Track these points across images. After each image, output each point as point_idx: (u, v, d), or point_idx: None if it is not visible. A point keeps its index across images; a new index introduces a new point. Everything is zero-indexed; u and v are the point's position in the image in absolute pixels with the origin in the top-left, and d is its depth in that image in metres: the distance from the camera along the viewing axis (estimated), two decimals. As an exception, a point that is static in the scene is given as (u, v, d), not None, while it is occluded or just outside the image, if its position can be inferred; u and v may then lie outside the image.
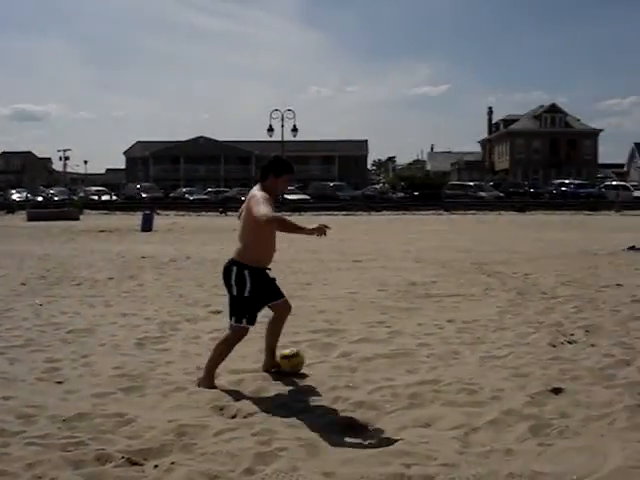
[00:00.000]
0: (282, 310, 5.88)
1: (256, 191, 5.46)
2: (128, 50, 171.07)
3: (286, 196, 55.80)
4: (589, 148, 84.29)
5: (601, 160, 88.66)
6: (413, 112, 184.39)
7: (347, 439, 4.49)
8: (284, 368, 6.01)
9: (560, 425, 4.64)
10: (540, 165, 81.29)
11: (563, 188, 58.79)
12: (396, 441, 4.38)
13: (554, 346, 7.02)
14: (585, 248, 18.84)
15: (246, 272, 5.43)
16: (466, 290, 10.86)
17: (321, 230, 5.13)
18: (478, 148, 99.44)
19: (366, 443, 4.40)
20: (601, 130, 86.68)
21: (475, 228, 31.20)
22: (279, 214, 5.57)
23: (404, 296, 10.30)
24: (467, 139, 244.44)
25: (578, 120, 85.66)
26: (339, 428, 4.68)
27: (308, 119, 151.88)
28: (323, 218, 39.36)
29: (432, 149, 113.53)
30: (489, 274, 12.81)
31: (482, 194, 56.33)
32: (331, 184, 62.88)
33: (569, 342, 7.20)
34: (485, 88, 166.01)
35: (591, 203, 51.36)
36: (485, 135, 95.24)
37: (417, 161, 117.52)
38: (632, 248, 18.93)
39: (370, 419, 4.83)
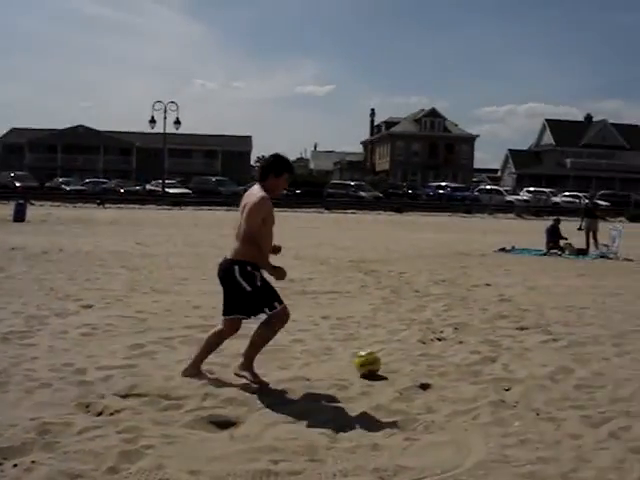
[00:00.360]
0: (280, 318, 5.60)
1: (257, 192, 5.39)
2: (6, 34, 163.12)
3: (167, 189, 54.98)
4: (466, 153, 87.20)
5: (477, 165, 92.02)
6: (298, 110, 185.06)
7: (215, 436, 4.43)
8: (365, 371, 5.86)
9: (426, 420, 4.75)
10: (419, 167, 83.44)
11: (440, 190, 60.58)
12: (265, 437, 4.35)
13: (424, 343, 7.20)
14: (458, 249, 19.47)
15: (249, 267, 5.34)
16: (342, 287, 10.99)
17: (280, 273, 5.34)
18: (360, 149, 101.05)
19: (235, 440, 4.35)
20: (477, 136, 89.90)
21: (355, 227, 31.70)
22: (254, 239, 5.35)
23: (281, 292, 10.25)
24: (350, 139, 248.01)
25: (456, 125, 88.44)
26: (208, 425, 4.60)
27: (192, 113, 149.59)
28: (203, 213, 38.96)
29: (315, 148, 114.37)
30: (365, 272, 13.01)
31: (362, 194, 57.30)
32: (213, 179, 62.22)
33: (438, 339, 7.41)
34: (369, 90, 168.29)
35: (466, 206, 53.25)
36: (367, 136, 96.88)
37: (300, 159, 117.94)
38: (502, 250, 19.75)
39: (240, 415, 4.78)
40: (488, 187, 65.19)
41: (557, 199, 60.33)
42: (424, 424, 4.66)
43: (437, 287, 11.42)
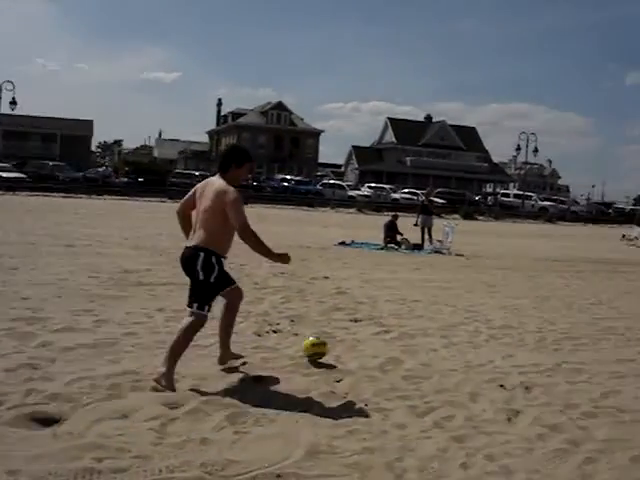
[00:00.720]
0: (236, 296, 5.81)
1: (224, 188, 5.37)
2: None
3: (1, 174, 51.91)
4: (311, 147, 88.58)
5: (322, 159, 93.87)
6: (143, 96, 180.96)
7: (37, 434, 4.21)
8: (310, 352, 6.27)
9: (257, 413, 4.74)
10: (265, 160, 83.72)
11: (285, 183, 61.09)
12: (89, 434, 4.19)
13: (259, 335, 7.22)
14: (299, 242, 19.66)
15: (213, 258, 5.36)
16: (180, 279, 10.71)
17: (285, 259, 5.56)
18: (206, 138, 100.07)
19: (57, 437, 4.16)
20: (323, 131, 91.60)
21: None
22: (252, 231, 5.50)
23: (116, 284, 9.98)
24: (196, 129, 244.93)
25: (302, 119, 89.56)
26: (30, 422, 4.37)
27: (32, 93, 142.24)
28: (40, 199, 37.19)
29: (160, 136, 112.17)
30: (206, 263, 12.87)
31: (207, 184, 56.68)
32: (50, 163, 59.45)
33: (274, 331, 7.44)
34: (216, 80, 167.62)
35: (309, 199, 53.95)
36: (214, 126, 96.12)
37: (144, 147, 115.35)
38: (342, 243, 20.16)
39: (64, 412, 4.57)
40: (331, 182, 66.38)
41: (397, 195, 62.41)
42: (255, 417, 4.66)
43: (277, 279, 11.49)
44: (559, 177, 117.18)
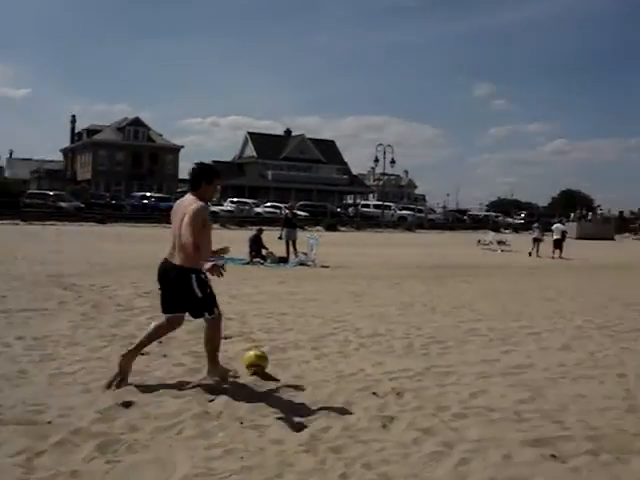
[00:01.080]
0: (175, 322, 6.30)
1: (192, 202, 5.83)
2: None
3: None
4: (171, 163, 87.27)
5: (182, 175, 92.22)
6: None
7: None
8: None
9: (129, 439, 4.57)
10: (123, 177, 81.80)
11: (145, 201, 59.81)
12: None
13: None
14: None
15: (202, 276, 5.88)
16: (39, 304, 10.27)
17: (212, 270, 5.59)
18: (61, 157, 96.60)
19: None
20: (182, 147, 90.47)
21: (55, 239, 30.06)
22: (193, 247, 5.66)
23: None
24: (49, 147, 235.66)
25: (161, 135, 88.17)
26: None
27: None
28: None
29: (11, 155, 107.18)
30: (65, 287, 12.33)
31: (62, 204, 54.64)
32: None
33: (141, 354, 7.09)
34: (69, 96, 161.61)
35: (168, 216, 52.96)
36: (68, 144, 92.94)
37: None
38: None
39: None
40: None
41: (260, 209, 62.55)
42: (127, 444, 4.48)
43: (142, 300, 11.15)
44: (416, 187, 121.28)
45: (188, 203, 5.87)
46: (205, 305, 6.02)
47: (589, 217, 65.19)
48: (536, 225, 33.24)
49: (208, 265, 5.60)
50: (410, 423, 5.17)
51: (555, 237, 30.27)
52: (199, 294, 5.90)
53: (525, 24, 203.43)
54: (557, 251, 29.72)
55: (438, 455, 4.50)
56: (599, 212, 73.35)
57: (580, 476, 4.20)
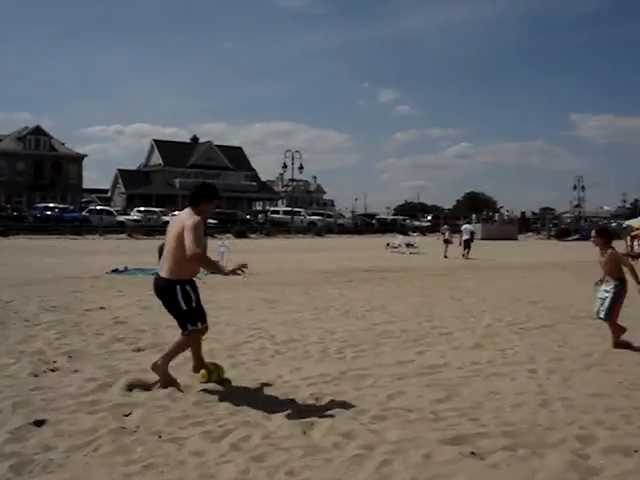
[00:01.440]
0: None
1: (189, 215, 6.11)
2: None
3: None
4: (74, 172, 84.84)
5: (86, 185, 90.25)
6: None
7: None
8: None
9: (44, 459, 4.41)
10: (25, 188, 79.11)
11: (48, 212, 57.99)
12: None
13: (36, 375, 6.71)
14: (70, 272, 18.74)
15: (187, 287, 6.11)
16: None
17: (235, 271, 5.96)
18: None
19: None
20: (86, 155, 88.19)
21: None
22: (204, 254, 5.99)
23: None
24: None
25: (63, 144, 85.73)
26: None
27: None
28: None
29: None
30: (-34, 303, 11.85)
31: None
32: None
33: (52, 370, 6.97)
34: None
35: (76, 227, 51.71)
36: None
37: None
38: (115, 271, 19.49)
39: None
40: (98, 207, 64.17)
41: (168, 218, 61.63)
42: (42, 464, 4.32)
43: (49, 314, 10.81)
44: (324, 192, 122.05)
45: (187, 216, 6.14)
46: (188, 318, 6.18)
47: (496, 218, 67.18)
48: (445, 227, 34.32)
49: (230, 267, 6.17)
50: (330, 428, 5.17)
51: (465, 237, 31.23)
52: (183, 306, 6.10)
53: (429, 31, 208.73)
54: (467, 250, 30.60)
55: (359, 458, 4.52)
56: (505, 213, 75.65)
57: (499, 472, 4.29)
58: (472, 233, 32.28)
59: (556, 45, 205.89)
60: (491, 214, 67.53)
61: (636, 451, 4.64)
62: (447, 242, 31.61)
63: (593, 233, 9.10)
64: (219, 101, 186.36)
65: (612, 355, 8.19)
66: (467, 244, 30.82)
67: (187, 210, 6.28)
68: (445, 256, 30.33)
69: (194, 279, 6.30)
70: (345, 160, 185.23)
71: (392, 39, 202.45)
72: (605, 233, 9.11)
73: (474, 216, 66.10)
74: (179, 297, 6.09)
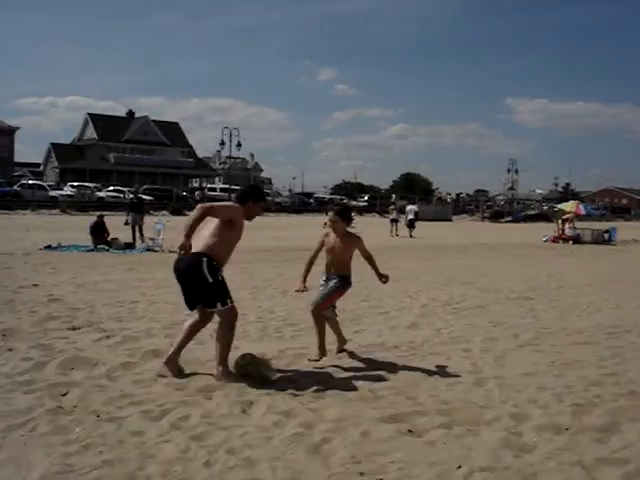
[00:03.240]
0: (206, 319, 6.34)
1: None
2: None
3: None
4: (5, 146, 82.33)
5: (18, 158, 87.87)
6: None
7: None
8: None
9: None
10: (-49, 161, 76.69)
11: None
12: None
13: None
14: (1, 248, 18.29)
15: (214, 262, 5.89)
16: None
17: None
18: None
19: None
20: (18, 128, 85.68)
21: None
22: (201, 212, 5.84)
23: None
24: None
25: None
26: None
27: None
28: None
29: None
30: None
31: None
32: None
33: None
34: None
35: (7, 202, 50.39)
36: None
37: None
38: (48, 247, 19.12)
39: None
40: (30, 182, 62.56)
41: (102, 194, 60.59)
42: (-24, 446, 4.23)
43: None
44: (262, 170, 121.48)
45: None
46: (216, 293, 5.94)
47: (434, 199, 68.22)
48: (392, 207, 35.85)
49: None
50: (270, 406, 5.20)
51: (409, 217, 32.79)
52: (209, 279, 5.84)
53: (367, 12, 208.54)
54: (411, 229, 31.98)
55: (299, 436, 4.56)
56: (448, 196, 76.77)
57: (435, 449, 4.39)
58: (416, 213, 33.97)
59: (493, 28, 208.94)
60: (432, 196, 68.68)
61: (567, 429, 4.80)
62: (395, 221, 32.95)
63: (331, 214, 7.05)
64: (156, 75, 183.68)
65: (544, 335, 8.42)
66: (411, 224, 32.32)
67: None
68: (395, 234, 31.76)
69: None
70: (283, 138, 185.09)
71: (333, 17, 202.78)
72: (346, 214, 7.12)
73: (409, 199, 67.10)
74: (205, 269, 5.82)
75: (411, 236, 32.29)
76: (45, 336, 7.55)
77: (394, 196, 51.51)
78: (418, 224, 34.86)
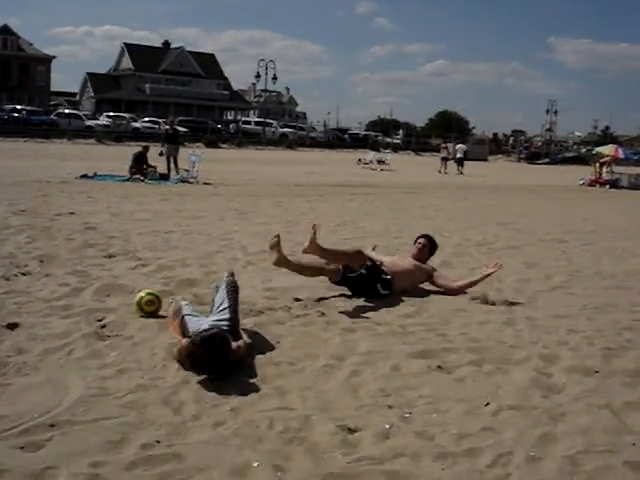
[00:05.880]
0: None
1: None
2: None
3: None
4: (42, 74, 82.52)
5: (54, 88, 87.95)
6: None
7: None
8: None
9: (17, 362, 4.43)
10: (-10, 89, 77.06)
11: (15, 114, 56.54)
12: None
13: (7, 279, 6.68)
14: (38, 176, 18.50)
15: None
16: None
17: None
18: None
19: None
20: (54, 57, 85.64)
21: None
22: None
23: None
24: None
25: (31, 45, 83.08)
26: None
27: None
28: None
29: None
30: None
31: None
32: None
33: (23, 274, 6.95)
34: None
35: (44, 131, 50.72)
36: None
37: None
38: (84, 176, 19.29)
39: None
40: (67, 111, 62.83)
41: (137, 124, 60.68)
42: (16, 367, 4.34)
43: (17, 218, 10.71)
44: (297, 104, 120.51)
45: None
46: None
47: (470, 139, 67.87)
48: (444, 145, 37.73)
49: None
50: (299, 339, 5.25)
51: (458, 156, 34.97)
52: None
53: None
54: (460, 168, 33.93)
55: (330, 368, 4.62)
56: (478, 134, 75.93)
57: (464, 385, 4.42)
58: (465, 152, 35.85)
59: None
60: (467, 136, 68.16)
61: (597, 372, 4.80)
62: (445, 159, 34.78)
63: (423, 239, 7.33)
64: (192, 5, 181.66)
65: (577, 278, 8.36)
66: (460, 162, 34.27)
67: None
68: (445, 172, 33.10)
69: None
70: (319, 72, 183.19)
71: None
72: (435, 244, 7.46)
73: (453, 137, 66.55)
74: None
75: (461, 173, 34.22)
76: (81, 263, 7.66)
77: (450, 137, 53.73)
78: (450, 164, 35.34)
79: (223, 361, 4.34)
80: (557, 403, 4.19)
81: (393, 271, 6.84)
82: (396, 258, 7.37)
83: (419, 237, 7.44)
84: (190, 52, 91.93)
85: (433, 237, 7.50)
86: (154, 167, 20.50)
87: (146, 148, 21.24)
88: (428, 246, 7.31)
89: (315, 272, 6.76)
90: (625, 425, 3.92)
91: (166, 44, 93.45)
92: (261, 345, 5.05)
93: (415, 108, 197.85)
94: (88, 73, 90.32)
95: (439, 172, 34.26)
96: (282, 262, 6.41)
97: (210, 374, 4.30)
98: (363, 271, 6.50)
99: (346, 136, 77.38)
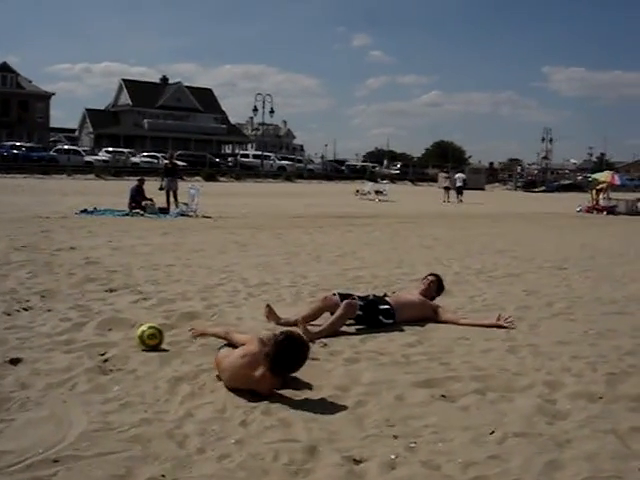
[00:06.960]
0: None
1: None
2: None
3: None
4: (41, 111, 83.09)
5: (53, 124, 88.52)
6: None
7: None
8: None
9: (21, 397, 4.42)
10: (-10, 126, 77.51)
11: (15, 151, 56.80)
12: None
13: (9, 315, 6.69)
14: (38, 212, 18.56)
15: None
16: None
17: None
18: None
19: None
20: (53, 94, 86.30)
21: None
22: None
23: None
24: None
25: (30, 82, 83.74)
26: None
27: None
28: None
29: None
30: None
31: None
32: None
33: (25, 309, 6.95)
34: None
35: (43, 167, 50.94)
36: None
37: None
38: (84, 211, 19.35)
39: None
40: (66, 147, 63.15)
41: (136, 159, 60.95)
42: (19, 402, 4.32)
43: (19, 254, 10.74)
44: (294, 137, 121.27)
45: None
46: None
47: (466, 168, 68.35)
48: (445, 175, 39.48)
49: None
50: (304, 369, 5.23)
51: (457, 184, 36.37)
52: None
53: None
54: (459, 196, 36.30)
55: (335, 398, 4.61)
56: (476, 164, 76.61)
57: (469, 414, 4.41)
58: (464, 181, 36.97)
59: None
60: (465, 166, 68.80)
61: (601, 397, 4.79)
62: (447, 189, 36.13)
63: (432, 277, 7.42)
64: (189, 41, 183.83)
65: (578, 305, 8.36)
66: (459, 190, 35.32)
67: None
68: (448, 201, 34.05)
69: None
70: (316, 105, 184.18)
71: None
72: (442, 283, 7.50)
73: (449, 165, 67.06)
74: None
75: (461, 201, 35.39)
76: (83, 297, 7.67)
77: (447, 167, 55.74)
78: (452, 193, 35.92)
79: (305, 357, 4.71)
80: (562, 430, 4.17)
81: (397, 302, 6.91)
82: (402, 292, 7.42)
83: (428, 275, 7.52)
84: (187, 87, 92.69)
85: (442, 278, 7.53)
86: (151, 199, 20.56)
87: (142, 181, 21.32)
88: (436, 283, 7.34)
89: (319, 313, 6.77)
90: (631, 450, 3.91)
91: (164, 79, 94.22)
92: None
93: (411, 139, 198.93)
94: (87, 109, 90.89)
95: (444, 202, 35.54)
96: (284, 325, 6.40)
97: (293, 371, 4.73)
98: (359, 312, 6.62)
99: (344, 167, 77.65)
